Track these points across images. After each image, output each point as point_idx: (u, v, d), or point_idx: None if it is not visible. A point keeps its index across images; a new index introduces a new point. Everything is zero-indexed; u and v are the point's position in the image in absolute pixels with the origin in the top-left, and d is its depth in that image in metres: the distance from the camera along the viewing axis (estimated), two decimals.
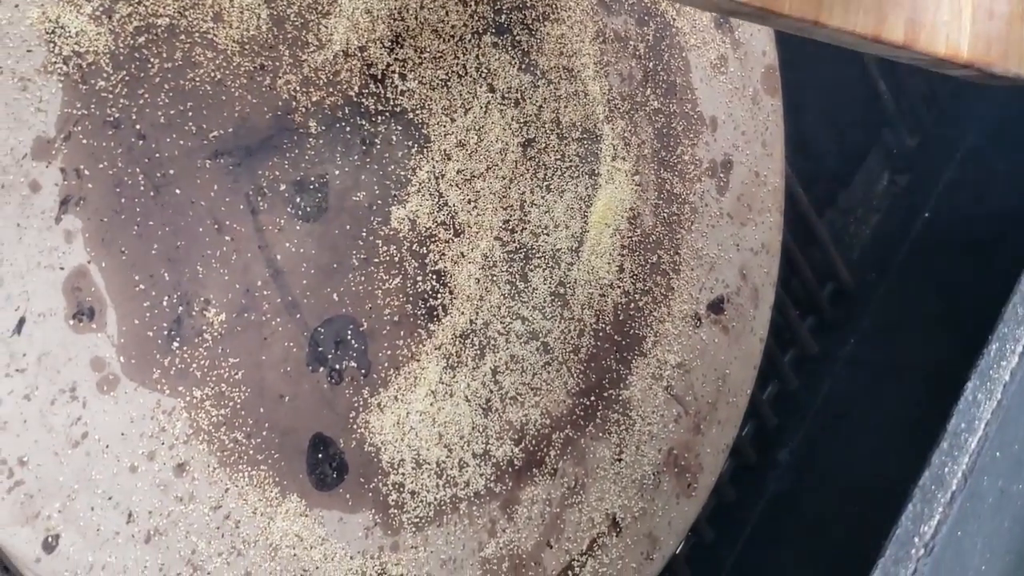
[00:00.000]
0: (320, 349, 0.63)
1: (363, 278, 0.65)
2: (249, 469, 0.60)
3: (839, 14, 0.55)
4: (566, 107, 0.74)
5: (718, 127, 0.84)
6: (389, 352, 0.66)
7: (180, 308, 0.57)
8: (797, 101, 0.92)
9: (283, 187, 0.61)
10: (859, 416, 0.96)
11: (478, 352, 0.70)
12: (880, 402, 0.96)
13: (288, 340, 0.62)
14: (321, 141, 0.63)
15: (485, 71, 0.70)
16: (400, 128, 0.66)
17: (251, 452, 0.60)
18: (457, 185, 0.69)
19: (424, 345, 0.67)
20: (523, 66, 0.71)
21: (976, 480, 0.50)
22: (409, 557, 0.66)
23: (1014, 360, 0.52)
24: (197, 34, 0.58)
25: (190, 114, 0.58)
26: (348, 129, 0.64)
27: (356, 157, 0.64)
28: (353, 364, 0.64)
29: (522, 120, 0.72)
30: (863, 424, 0.95)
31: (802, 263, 1.04)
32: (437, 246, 0.68)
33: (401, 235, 0.66)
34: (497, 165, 0.71)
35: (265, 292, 0.61)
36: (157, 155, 0.56)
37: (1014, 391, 0.51)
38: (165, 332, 0.57)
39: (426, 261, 0.67)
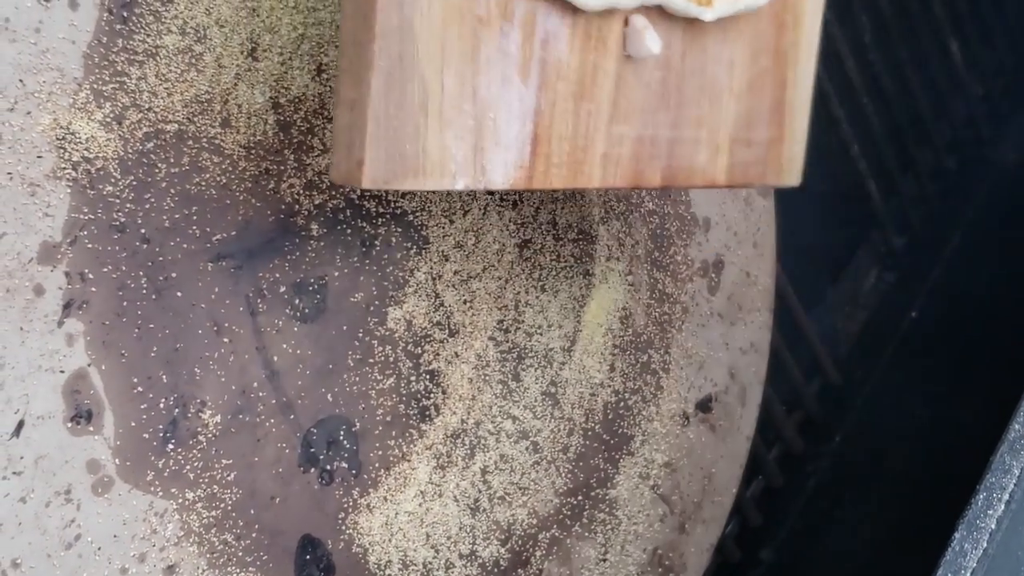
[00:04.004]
0: (312, 450, 0.63)
1: (358, 378, 0.65)
2: (238, 571, 0.60)
3: (598, 177, 0.62)
4: (563, 208, 0.75)
5: (711, 228, 0.86)
6: (380, 452, 0.66)
7: (176, 410, 0.58)
8: (787, 199, 0.93)
9: (283, 289, 0.62)
10: (844, 516, 0.96)
11: (468, 452, 0.70)
12: (865, 502, 0.96)
13: (281, 441, 0.62)
14: (322, 243, 0.63)
15: None
16: (400, 230, 0.67)
17: (240, 554, 0.60)
18: (454, 286, 0.69)
19: (415, 445, 0.68)
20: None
21: None
22: None
23: (1000, 508, 0.53)
24: (205, 139, 0.59)
25: (195, 218, 0.58)
26: (349, 231, 0.65)
27: (356, 259, 0.65)
28: (344, 465, 0.65)
29: (519, 221, 0.73)
30: (848, 524, 0.96)
31: (789, 360, 1.06)
32: (432, 346, 0.69)
33: (397, 335, 0.67)
34: (494, 266, 0.71)
35: (261, 393, 0.61)
36: (160, 258, 0.57)
37: (1000, 539, 0.52)
38: (161, 434, 0.57)
39: (420, 361, 0.68)
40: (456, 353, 0.70)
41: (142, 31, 0.56)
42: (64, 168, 0.54)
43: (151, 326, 0.57)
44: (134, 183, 0.56)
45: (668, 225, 0.83)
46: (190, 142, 0.58)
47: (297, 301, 0.63)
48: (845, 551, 0.93)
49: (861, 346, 1.15)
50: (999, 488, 0.53)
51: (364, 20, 0.52)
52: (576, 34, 0.59)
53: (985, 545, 0.51)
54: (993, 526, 0.52)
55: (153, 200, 0.57)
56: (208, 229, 0.59)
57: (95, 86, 0.55)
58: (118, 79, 0.56)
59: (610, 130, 0.62)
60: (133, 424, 0.56)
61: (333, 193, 0.64)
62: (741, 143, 0.67)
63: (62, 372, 0.54)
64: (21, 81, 0.52)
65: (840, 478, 1.01)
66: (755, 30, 0.66)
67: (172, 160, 0.58)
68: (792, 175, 0.71)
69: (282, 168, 0.62)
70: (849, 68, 1.16)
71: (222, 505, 0.60)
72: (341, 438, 0.64)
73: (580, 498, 0.77)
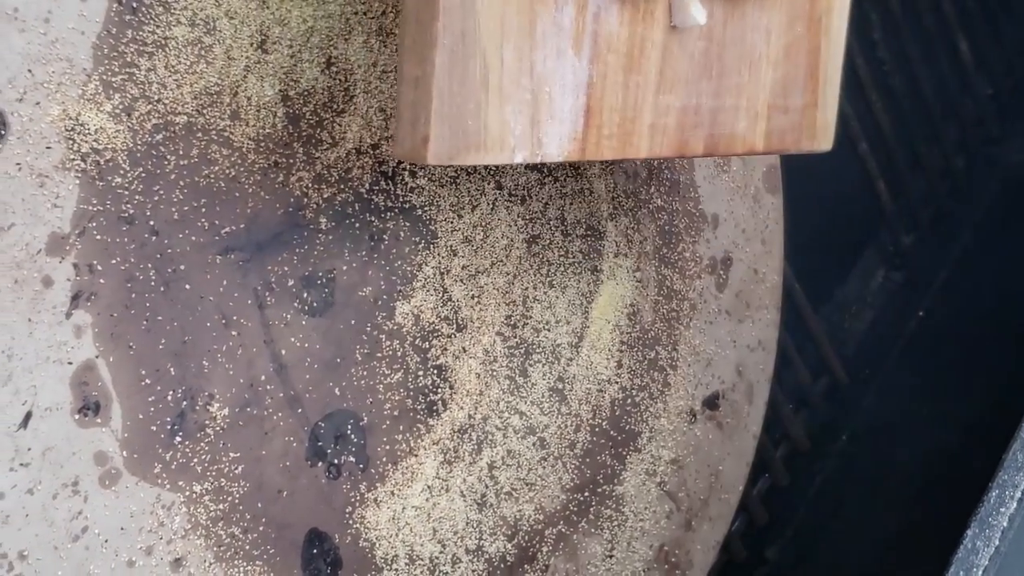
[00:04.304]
0: (320, 444, 0.63)
1: (365, 372, 0.65)
2: (244, 564, 0.60)
3: (645, 147, 0.63)
4: (571, 204, 0.75)
5: (719, 225, 0.85)
6: (388, 447, 0.66)
7: (184, 403, 0.58)
8: (796, 197, 0.93)
9: (291, 282, 0.62)
10: (850, 515, 0.96)
11: (475, 447, 0.70)
12: (871, 501, 0.96)
13: (289, 435, 0.62)
14: (330, 237, 0.63)
15: (493, 168, 0.70)
16: (408, 224, 0.67)
17: (247, 547, 0.60)
18: (462, 281, 0.69)
19: (423, 440, 0.68)
20: (530, 164, 0.72)
21: None
22: None
23: (1012, 506, 0.53)
24: (214, 132, 0.58)
25: (203, 210, 0.58)
26: (357, 225, 0.64)
27: (364, 253, 0.65)
28: (352, 459, 0.64)
29: (528, 217, 0.73)
30: (854, 523, 0.96)
31: (796, 358, 1.05)
32: (439, 341, 0.68)
33: (404, 330, 0.67)
34: (502, 261, 0.71)
35: (269, 386, 0.61)
36: (169, 251, 0.57)
37: (1012, 537, 0.51)
38: (168, 426, 0.57)
39: (428, 356, 0.68)
40: (464, 348, 0.70)
41: (152, 22, 0.56)
42: (73, 159, 0.54)
43: (159, 318, 0.57)
44: (143, 175, 0.56)
45: (676, 221, 0.82)
46: (199, 134, 0.58)
47: (305, 295, 0.62)
48: (851, 550, 0.93)
49: (868, 345, 1.14)
50: (1011, 486, 0.53)
51: None
52: (625, 6, 0.61)
53: (997, 543, 0.51)
54: (1005, 524, 0.52)
55: (162, 192, 0.57)
56: (217, 222, 0.59)
57: (104, 77, 0.55)
58: (127, 70, 0.55)
59: (657, 100, 0.63)
60: (141, 416, 0.56)
61: (342, 187, 0.63)
62: (778, 109, 0.69)
63: (70, 364, 0.54)
64: (30, 71, 0.52)
65: (847, 477, 1.01)
66: None
67: (181, 152, 0.57)
68: (825, 140, 0.72)
69: (291, 161, 0.61)
70: (858, 66, 1.16)
71: (229, 498, 0.59)
72: (349, 432, 0.64)
73: (587, 494, 0.77)
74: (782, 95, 0.69)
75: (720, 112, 0.66)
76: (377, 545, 0.66)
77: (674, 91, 0.64)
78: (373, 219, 0.65)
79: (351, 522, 0.65)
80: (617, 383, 0.79)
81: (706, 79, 0.65)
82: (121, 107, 0.55)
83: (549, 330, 0.74)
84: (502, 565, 0.72)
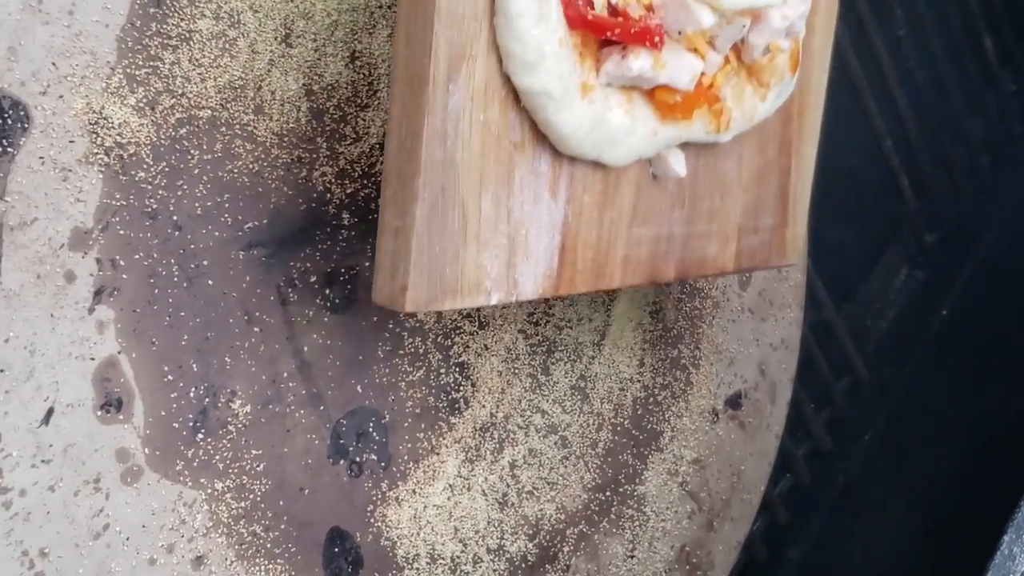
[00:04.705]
0: (342, 441, 0.63)
1: (388, 370, 0.65)
2: (266, 563, 0.59)
3: (618, 278, 0.63)
4: None
5: None
6: (409, 445, 0.66)
7: (207, 399, 0.57)
8: (819, 194, 0.92)
9: (314, 279, 0.61)
10: (873, 515, 0.95)
11: (497, 445, 0.70)
12: (894, 501, 0.95)
13: (311, 432, 0.61)
14: (353, 233, 0.63)
15: None
16: None
17: (268, 545, 0.60)
18: None
19: (444, 438, 0.67)
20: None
21: None
22: None
23: None
24: (238, 126, 0.58)
25: (227, 205, 0.58)
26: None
27: None
28: (373, 457, 0.64)
29: None
30: (877, 523, 0.95)
31: (819, 357, 1.04)
32: (462, 338, 0.68)
33: (427, 327, 0.66)
34: None
35: (291, 384, 0.60)
36: (192, 246, 0.56)
37: None
38: (191, 423, 0.57)
39: (450, 353, 0.67)
40: (486, 346, 0.69)
41: (176, 15, 0.56)
42: (96, 153, 0.53)
43: (182, 314, 0.56)
44: (166, 169, 0.56)
45: None
46: (223, 129, 0.58)
47: (328, 291, 0.62)
48: (874, 550, 0.92)
49: (891, 344, 1.13)
50: None
51: (409, 155, 0.53)
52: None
53: None
54: None
55: (185, 187, 0.56)
56: (240, 217, 0.58)
57: (128, 70, 0.54)
58: (151, 64, 0.55)
59: (630, 234, 0.63)
60: (163, 413, 0.56)
61: (365, 182, 0.63)
62: (748, 231, 0.69)
63: (92, 359, 0.53)
64: (54, 64, 0.52)
65: (869, 477, 1.00)
66: (762, 124, 0.67)
67: (205, 147, 0.57)
68: (792, 255, 0.73)
69: (314, 156, 0.61)
70: (883, 63, 1.15)
71: (251, 496, 0.59)
72: (370, 430, 0.64)
73: (608, 494, 0.76)
74: (753, 216, 0.69)
75: (691, 238, 0.66)
76: (398, 544, 0.65)
77: (647, 223, 0.63)
78: None
79: (372, 520, 0.64)
80: (639, 382, 0.78)
81: (679, 208, 0.65)
82: (145, 101, 0.55)
83: (571, 328, 0.74)
84: (523, 565, 0.71)
